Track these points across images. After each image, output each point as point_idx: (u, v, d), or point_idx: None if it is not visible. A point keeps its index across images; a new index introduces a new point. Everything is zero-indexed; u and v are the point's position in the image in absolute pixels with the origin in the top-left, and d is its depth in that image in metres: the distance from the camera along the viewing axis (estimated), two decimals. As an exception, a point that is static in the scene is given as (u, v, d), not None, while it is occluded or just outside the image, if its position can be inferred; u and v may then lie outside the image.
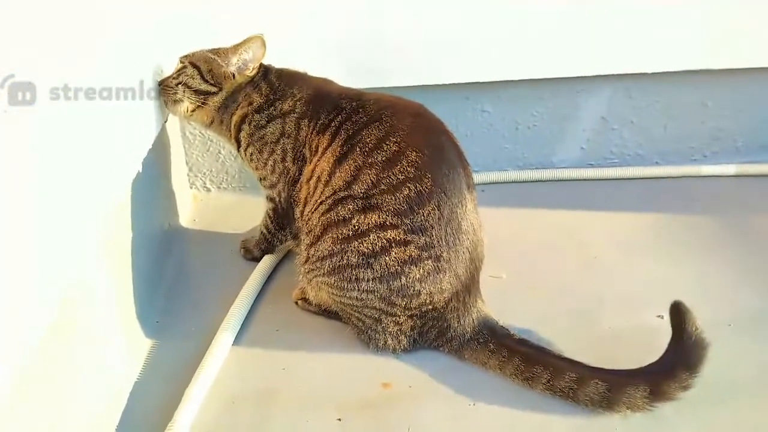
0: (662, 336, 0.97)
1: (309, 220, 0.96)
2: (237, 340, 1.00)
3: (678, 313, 0.87)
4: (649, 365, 0.86)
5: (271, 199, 1.11)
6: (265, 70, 1.10)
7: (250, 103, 1.08)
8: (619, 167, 1.48)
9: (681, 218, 1.34)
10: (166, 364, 0.97)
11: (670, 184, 1.47)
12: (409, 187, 0.87)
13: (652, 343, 0.98)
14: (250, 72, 1.08)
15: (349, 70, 1.22)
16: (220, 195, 1.42)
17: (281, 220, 1.12)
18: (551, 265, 1.20)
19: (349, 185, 0.89)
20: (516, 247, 1.25)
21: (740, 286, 1.13)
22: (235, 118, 1.09)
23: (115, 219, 0.94)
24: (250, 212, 1.24)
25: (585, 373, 0.85)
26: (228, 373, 0.95)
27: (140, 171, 1.02)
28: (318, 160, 0.95)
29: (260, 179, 1.10)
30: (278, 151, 1.05)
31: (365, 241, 0.88)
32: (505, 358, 0.91)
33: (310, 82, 1.08)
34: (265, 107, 1.06)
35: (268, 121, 1.05)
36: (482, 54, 1.31)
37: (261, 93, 1.07)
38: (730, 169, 1.49)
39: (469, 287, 0.93)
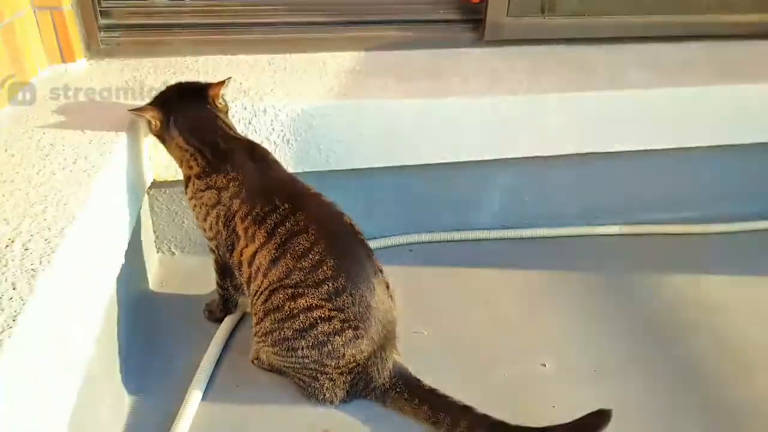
0: (542, 382, 1.27)
1: (254, 305, 1.19)
2: (205, 396, 1.22)
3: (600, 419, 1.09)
4: (522, 428, 1.11)
5: (211, 250, 1.31)
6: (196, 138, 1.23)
7: (190, 167, 1.25)
8: (525, 228, 1.77)
9: (571, 274, 1.63)
10: (147, 420, 1.17)
11: (566, 243, 1.77)
12: (328, 284, 1.12)
13: (534, 388, 1.28)
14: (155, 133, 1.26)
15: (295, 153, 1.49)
16: (183, 258, 1.62)
17: (222, 270, 1.33)
18: (464, 320, 1.46)
19: (281, 279, 1.13)
20: (437, 304, 1.52)
21: (610, 334, 1.44)
22: (183, 172, 1.28)
23: (110, 295, 1.15)
24: (211, 273, 1.42)
25: (474, 421, 1.11)
26: (198, 425, 1.16)
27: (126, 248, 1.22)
28: (257, 251, 1.16)
29: (202, 230, 1.30)
30: (213, 215, 1.23)
31: (296, 320, 1.13)
32: (416, 406, 1.16)
33: (243, 160, 1.22)
34: (203, 175, 1.23)
35: (206, 188, 1.23)
36: (411, 144, 1.57)
37: (198, 162, 1.24)
38: (614, 228, 1.81)
39: (384, 346, 1.18)
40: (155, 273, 1.56)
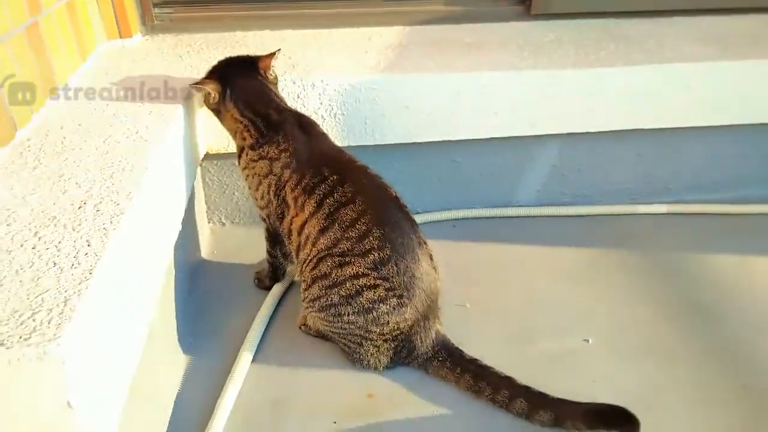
0: (583, 357, 1.28)
1: (303, 272, 1.24)
2: (255, 358, 1.27)
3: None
4: (566, 402, 1.12)
5: (263, 219, 1.37)
6: (251, 110, 1.28)
7: (244, 139, 1.31)
8: (568, 206, 1.76)
9: (615, 252, 1.62)
10: (200, 377, 1.24)
11: (610, 221, 1.76)
12: (374, 254, 1.15)
13: (575, 363, 1.29)
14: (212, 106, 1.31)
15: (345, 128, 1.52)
16: (234, 229, 1.68)
17: (273, 238, 1.38)
18: (505, 295, 1.48)
19: (329, 248, 1.17)
20: (480, 278, 1.53)
21: (654, 314, 1.43)
22: (236, 143, 1.34)
23: (169, 259, 1.21)
24: (260, 244, 1.47)
25: (514, 391, 1.14)
26: (249, 385, 1.21)
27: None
28: (307, 221, 1.20)
29: (254, 199, 1.35)
30: (265, 185, 1.28)
31: (343, 287, 1.16)
32: (458, 375, 1.19)
33: (294, 132, 1.26)
34: (256, 146, 1.28)
35: (258, 159, 1.28)
36: (455, 119, 1.58)
37: (251, 133, 1.29)
38: (662, 208, 1.79)
39: (427, 315, 1.21)
40: (207, 242, 1.62)
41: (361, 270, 1.15)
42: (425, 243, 1.24)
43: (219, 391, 1.18)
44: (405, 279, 1.16)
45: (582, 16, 1.82)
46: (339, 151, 1.30)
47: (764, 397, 1.23)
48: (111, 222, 0.85)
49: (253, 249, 1.52)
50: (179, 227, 1.23)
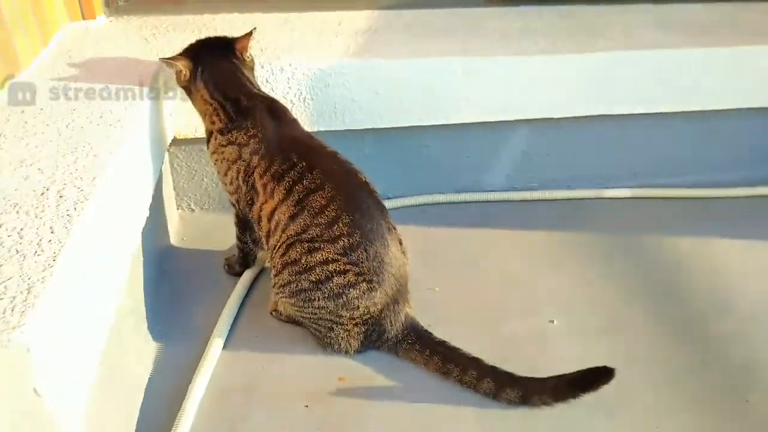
0: (549, 338, 1.31)
1: (273, 258, 1.24)
2: (226, 344, 1.27)
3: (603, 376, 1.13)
4: (531, 379, 1.16)
5: (232, 204, 1.36)
6: (220, 92, 1.27)
7: (213, 123, 1.29)
8: (536, 191, 1.80)
9: (581, 235, 1.66)
10: (171, 364, 1.24)
11: (577, 205, 1.79)
12: (343, 240, 1.15)
13: (541, 344, 1.32)
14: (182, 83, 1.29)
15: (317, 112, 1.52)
16: (203, 215, 1.67)
17: (242, 224, 1.38)
18: (474, 278, 1.50)
19: (299, 234, 1.18)
20: (449, 263, 1.55)
21: (618, 294, 1.47)
22: (205, 126, 1.32)
23: (136, 245, 1.20)
24: (230, 230, 1.46)
25: (482, 372, 1.16)
26: (220, 371, 1.21)
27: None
28: (276, 208, 1.20)
29: (223, 184, 1.34)
30: (234, 170, 1.27)
31: (312, 273, 1.17)
32: (427, 357, 1.21)
33: (263, 118, 1.25)
34: (224, 131, 1.27)
35: (227, 144, 1.27)
36: (425, 104, 1.59)
37: (220, 118, 1.27)
38: (626, 192, 1.83)
39: (397, 299, 1.22)
40: (176, 228, 1.60)
41: (331, 256, 1.16)
42: (394, 228, 1.25)
43: (190, 377, 1.18)
44: (374, 264, 1.17)
45: (549, 3, 1.84)
46: (309, 137, 1.30)
47: (723, 372, 1.28)
48: (75, 208, 0.84)
49: (223, 235, 1.51)
50: (147, 213, 1.21)
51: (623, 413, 1.18)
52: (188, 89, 1.31)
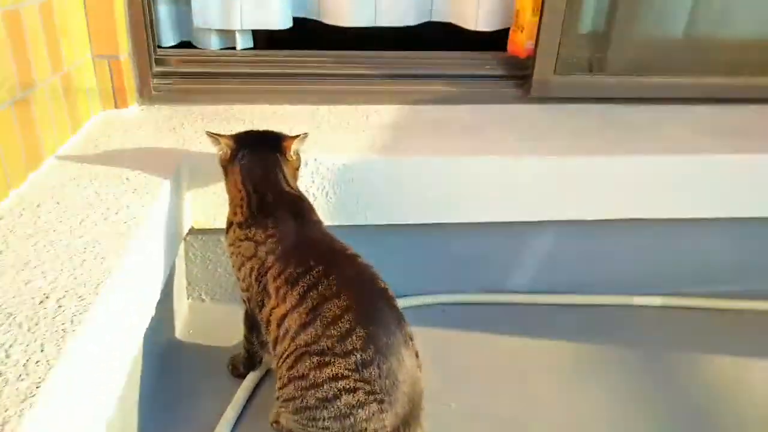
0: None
1: (279, 367, 1.17)
2: (223, 457, 1.20)
3: None
4: None
5: (243, 301, 1.31)
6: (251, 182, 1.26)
7: (235, 214, 1.27)
8: (561, 294, 1.71)
9: (609, 347, 1.55)
10: None
11: (604, 312, 1.70)
12: (355, 355, 1.08)
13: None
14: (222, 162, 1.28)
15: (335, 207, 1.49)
16: (213, 305, 1.62)
17: (251, 323, 1.32)
18: (493, 393, 1.40)
19: (309, 345, 1.11)
20: (467, 372, 1.46)
21: (648, 417, 1.35)
22: (228, 215, 1.30)
23: (138, 349, 1.15)
24: (238, 324, 1.39)
25: None
26: None
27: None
28: (287, 314, 1.14)
29: (236, 278, 1.29)
30: (248, 267, 1.23)
31: (320, 389, 1.09)
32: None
33: (284, 218, 1.23)
34: (244, 225, 1.25)
35: (245, 239, 1.24)
36: (449, 202, 1.55)
37: (242, 210, 1.26)
38: (657, 300, 1.74)
39: (408, 421, 1.13)
40: (184, 319, 1.56)
41: (341, 371, 1.08)
42: (411, 340, 1.18)
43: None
44: (387, 383, 1.09)
45: (580, 101, 1.82)
46: (331, 239, 1.25)
47: None
48: (71, 321, 0.80)
49: (231, 329, 1.45)
50: (153, 312, 1.17)
51: None
52: (225, 170, 1.31)
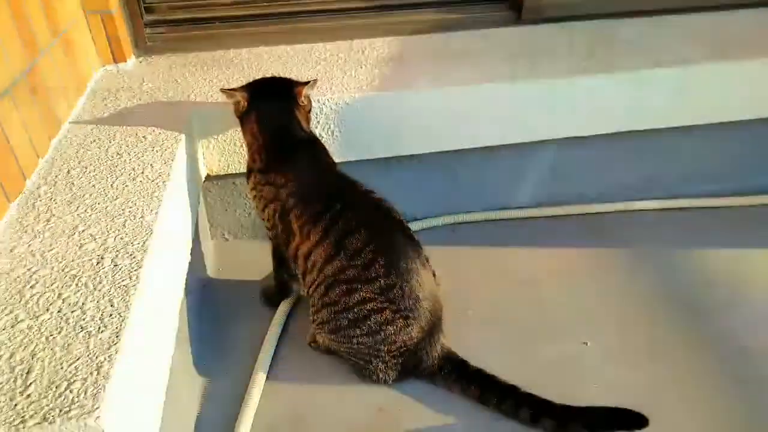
0: (583, 362, 1.33)
1: (311, 295, 1.29)
2: (268, 377, 1.32)
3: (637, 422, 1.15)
4: (568, 408, 1.18)
5: (270, 239, 1.41)
6: (268, 131, 1.33)
7: (254, 160, 1.36)
8: (565, 206, 1.81)
9: (612, 251, 1.68)
10: (217, 398, 1.29)
11: (606, 219, 1.80)
12: (380, 281, 1.19)
13: (575, 367, 1.35)
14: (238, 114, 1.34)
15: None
16: (236, 243, 1.72)
17: (279, 259, 1.43)
18: (506, 299, 1.54)
19: (336, 275, 1.22)
20: (480, 283, 1.59)
21: (649, 312, 1.49)
22: (247, 161, 1.38)
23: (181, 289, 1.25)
24: (264, 258, 1.50)
25: (519, 400, 1.20)
26: (264, 404, 1.27)
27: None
28: (312, 249, 1.25)
29: (261, 219, 1.39)
30: (271, 209, 1.33)
31: (351, 312, 1.22)
32: (464, 386, 1.25)
33: (302, 161, 1.31)
34: (264, 171, 1.33)
35: (265, 183, 1.33)
36: (451, 130, 1.61)
37: (261, 157, 1.33)
38: (655, 204, 1.83)
39: (432, 332, 1.26)
40: (212, 259, 1.66)
41: (368, 295, 1.20)
42: (428, 261, 1.29)
43: (236, 410, 1.24)
44: (410, 302, 1.21)
45: (572, 19, 1.84)
46: (344, 178, 1.33)
47: (761, 389, 1.29)
48: (130, 278, 0.89)
49: (257, 263, 1.57)
50: (189, 257, 1.27)
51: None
52: (242, 120, 1.37)
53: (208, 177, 1.57)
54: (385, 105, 1.54)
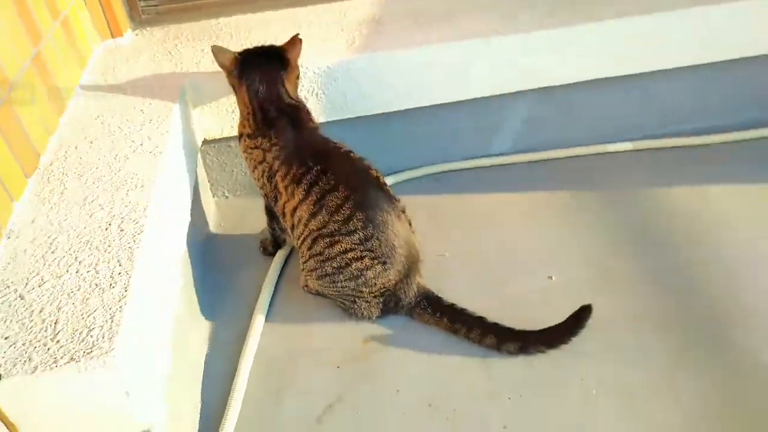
0: (548, 294, 1.50)
1: (299, 247, 1.45)
2: (267, 318, 1.50)
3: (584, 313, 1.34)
4: (527, 332, 1.35)
5: (262, 196, 1.55)
6: (256, 100, 1.44)
7: (244, 126, 1.48)
8: (540, 151, 1.92)
9: (584, 193, 1.78)
10: (223, 338, 1.47)
11: (580, 163, 1.91)
12: (358, 233, 1.34)
13: (542, 300, 1.50)
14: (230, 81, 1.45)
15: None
16: (236, 200, 1.87)
17: (270, 214, 1.58)
18: (481, 242, 1.67)
19: (319, 229, 1.37)
20: (458, 228, 1.72)
21: (614, 247, 1.62)
22: (238, 126, 1.52)
23: (184, 242, 1.42)
24: (261, 214, 1.64)
25: (485, 329, 1.36)
26: (264, 341, 1.44)
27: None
28: (297, 206, 1.39)
29: (253, 179, 1.53)
30: (260, 170, 1.47)
31: (335, 261, 1.38)
32: (438, 318, 1.42)
33: (285, 128, 1.42)
34: (252, 136, 1.46)
35: (254, 147, 1.46)
36: (430, 87, 1.72)
37: (249, 123, 1.46)
38: (628, 145, 1.93)
39: (409, 274, 1.42)
40: (213, 216, 1.82)
41: (349, 246, 1.36)
42: (404, 212, 1.43)
43: (240, 348, 1.42)
44: (386, 250, 1.37)
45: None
46: (325, 142, 1.46)
47: (718, 320, 1.42)
48: (134, 240, 1.05)
49: (256, 218, 1.70)
50: (189, 218, 1.43)
51: (610, 358, 1.36)
52: (234, 88, 1.48)
53: (205, 141, 1.72)
54: (364, 67, 1.65)
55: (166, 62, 1.65)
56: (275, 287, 1.59)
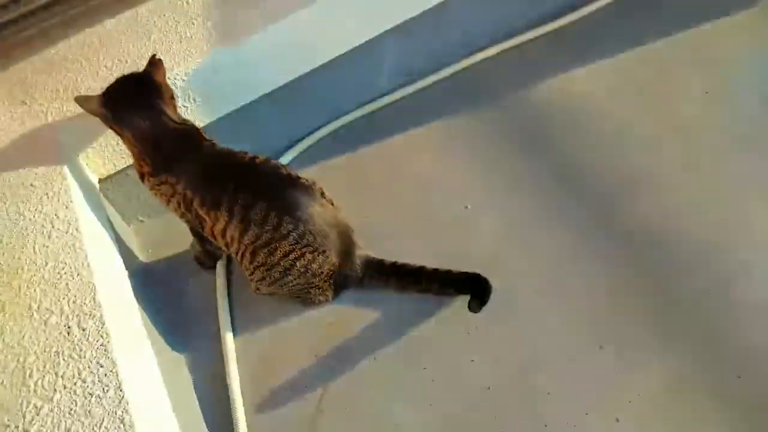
0: (465, 221, 1.69)
1: (241, 262, 1.50)
2: (234, 333, 1.57)
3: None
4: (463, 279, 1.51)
5: (185, 223, 1.56)
6: (141, 138, 1.41)
7: (141, 166, 1.45)
8: (417, 82, 2.01)
9: (471, 113, 1.92)
10: (201, 364, 1.54)
11: (460, 80, 2.02)
12: (292, 234, 1.41)
13: (461, 228, 1.69)
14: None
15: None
16: (152, 222, 1.82)
17: (199, 237, 1.59)
18: (397, 191, 1.78)
19: (255, 242, 1.42)
20: (370, 184, 1.80)
21: (499, 157, 1.82)
22: (135, 167, 1.47)
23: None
24: (181, 225, 1.62)
25: (428, 278, 1.52)
26: (241, 355, 1.53)
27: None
28: (225, 228, 1.42)
29: (172, 211, 1.53)
30: (174, 202, 1.46)
31: (279, 266, 1.45)
32: (386, 280, 1.56)
33: (184, 156, 1.41)
34: (154, 173, 1.43)
35: (160, 183, 1.44)
36: (294, 58, 1.73)
37: (146, 162, 1.43)
38: (493, 50, 2.06)
39: (348, 251, 1.53)
40: (137, 245, 1.78)
41: (288, 248, 1.43)
42: (323, 196, 1.50)
43: (222, 368, 1.50)
44: (321, 239, 1.46)
45: None
46: (228, 154, 1.46)
47: (601, 199, 1.69)
48: (101, 335, 1.08)
49: (179, 233, 1.67)
50: (125, 269, 1.43)
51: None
52: (114, 130, 1.43)
53: (101, 180, 1.65)
54: (228, 59, 1.62)
55: (26, 118, 1.53)
56: (228, 293, 1.65)
